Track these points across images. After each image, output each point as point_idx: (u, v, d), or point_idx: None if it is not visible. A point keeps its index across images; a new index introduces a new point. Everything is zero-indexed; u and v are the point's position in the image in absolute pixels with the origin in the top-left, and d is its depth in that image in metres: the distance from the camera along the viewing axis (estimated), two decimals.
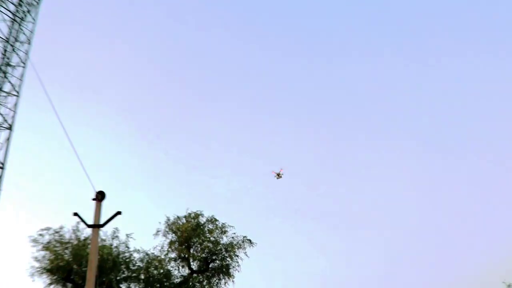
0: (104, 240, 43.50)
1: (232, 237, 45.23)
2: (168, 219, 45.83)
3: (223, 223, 45.66)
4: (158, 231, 45.51)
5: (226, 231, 45.35)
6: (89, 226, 25.23)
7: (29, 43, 39.29)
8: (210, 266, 44.95)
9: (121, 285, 44.25)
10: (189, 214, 46.03)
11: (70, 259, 41.24)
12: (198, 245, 44.87)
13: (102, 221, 25.37)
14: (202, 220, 45.91)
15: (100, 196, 25.56)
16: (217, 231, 45.32)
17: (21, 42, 39.08)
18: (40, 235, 42.03)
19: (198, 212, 46.05)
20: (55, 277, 41.37)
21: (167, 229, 45.44)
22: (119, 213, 25.33)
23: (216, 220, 45.81)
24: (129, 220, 46.47)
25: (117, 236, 44.18)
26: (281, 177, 70.20)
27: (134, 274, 43.60)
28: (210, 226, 45.71)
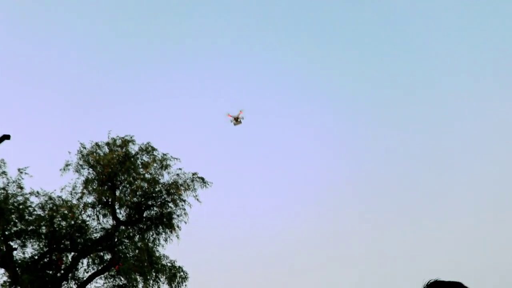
0: None
1: (177, 174, 31.98)
2: (83, 148, 31.55)
3: (164, 154, 32.05)
4: (67, 165, 31.40)
5: (169, 165, 31.90)
6: None
7: None
8: (144, 215, 31.64)
9: (11, 243, 30.09)
10: (114, 140, 31.95)
11: None
12: (127, 185, 31.24)
13: None
14: (134, 149, 32.00)
15: None
16: (155, 165, 31.73)
17: None
18: None
19: (128, 138, 31.99)
20: None
21: (81, 162, 31.39)
22: (6, 137, 17.94)
23: (153, 149, 32.15)
24: (23, 148, 31.45)
25: (4, 172, 29.80)
26: (240, 122, 53.09)
27: (31, 227, 29.78)
28: (145, 158, 32.06)
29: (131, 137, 32.42)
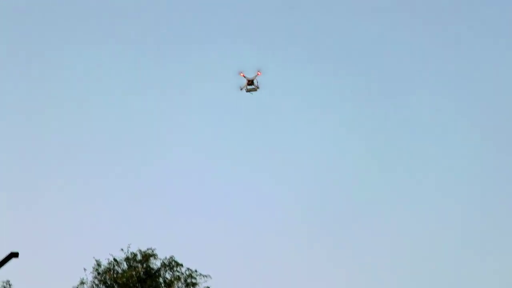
0: None
1: None
2: (99, 265, 28.06)
3: (190, 271, 28.40)
4: (82, 283, 27.68)
5: (196, 283, 28.06)
6: None
7: None
8: None
9: None
10: (134, 255, 28.48)
11: None
12: None
13: None
14: (156, 264, 28.46)
15: None
16: (180, 283, 27.92)
17: None
18: None
19: (149, 252, 28.55)
20: None
21: (97, 281, 27.64)
22: (14, 255, 15.33)
23: (178, 264, 28.68)
24: (31, 265, 28.31)
25: None
26: (255, 89, 37.55)
27: None
28: (168, 276, 28.34)
29: (152, 251, 28.98)
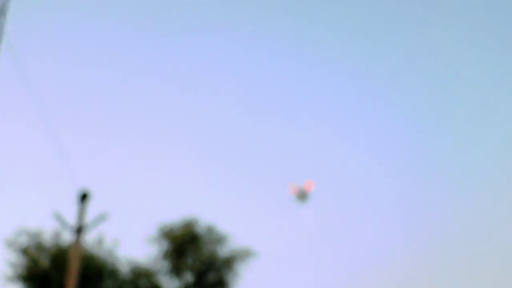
0: (88, 247, 39.13)
1: (232, 249, 40.87)
2: (162, 226, 41.44)
3: (221, 233, 41.26)
4: (150, 238, 41.08)
5: (225, 241, 40.98)
6: (71, 229, 22.44)
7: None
8: (205, 279, 40.43)
9: None
10: (185, 220, 41.61)
11: (49, 266, 36.77)
12: (194, 256, 40.36)
13: (86, 224, 22.72)
14: (200, 226, 41.53)
15: (84, 196, 22.53)
16: (215, 241, 40.95)
17: None
18: (16, 238, 37.55)
19: (193, 220, 41.61)
20: (31, 285, 36.91)
21: (160, 237, 40.94)
22: (105, 216, 22.48)
23: (214, 228, 41.44)
24: (116, 222, 41.82)
25: (102, 242, 39.68)
26: (307, 199, 39.28)
27: (120, 286, 39.08)
28: (207, 236, 41.28)
29: (196, 218, 41.82)
